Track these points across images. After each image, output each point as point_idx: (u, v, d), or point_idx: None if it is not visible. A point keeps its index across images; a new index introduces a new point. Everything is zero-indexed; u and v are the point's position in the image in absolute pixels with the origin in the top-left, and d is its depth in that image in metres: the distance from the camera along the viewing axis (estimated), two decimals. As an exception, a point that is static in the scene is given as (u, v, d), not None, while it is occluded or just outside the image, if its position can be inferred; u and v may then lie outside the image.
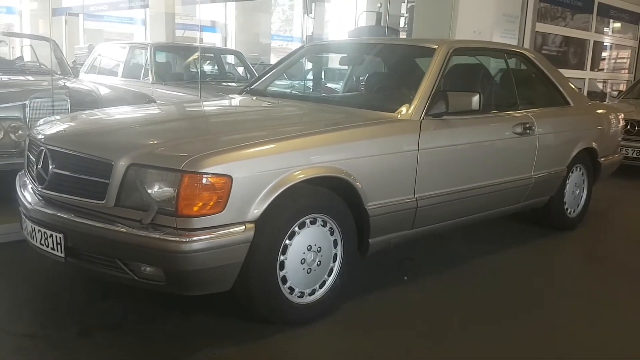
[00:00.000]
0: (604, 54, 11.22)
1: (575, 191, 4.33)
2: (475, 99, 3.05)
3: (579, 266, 3.79)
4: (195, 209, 2.22)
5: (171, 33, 10.20)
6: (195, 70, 7.39)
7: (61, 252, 2.43)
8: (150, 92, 5.97)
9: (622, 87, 11.09)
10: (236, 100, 3.77)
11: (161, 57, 6.95)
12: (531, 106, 3.89)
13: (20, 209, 2.78)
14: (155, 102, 5.07)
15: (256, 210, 2.34)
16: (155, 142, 2.50)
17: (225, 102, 3.78)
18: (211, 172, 2.23)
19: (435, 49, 3.36)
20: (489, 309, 2.92)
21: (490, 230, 4.13)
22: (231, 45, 14.38)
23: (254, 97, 3.72)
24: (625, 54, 11.40)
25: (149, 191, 2.26)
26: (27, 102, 4.14)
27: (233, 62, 8.68)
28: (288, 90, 4.32)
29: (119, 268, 2.33)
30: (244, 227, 2.31)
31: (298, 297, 2.58)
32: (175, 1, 10.26)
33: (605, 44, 10.99)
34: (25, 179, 2.94)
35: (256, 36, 15.33)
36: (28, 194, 2.74)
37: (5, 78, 5.05)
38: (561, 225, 4.28)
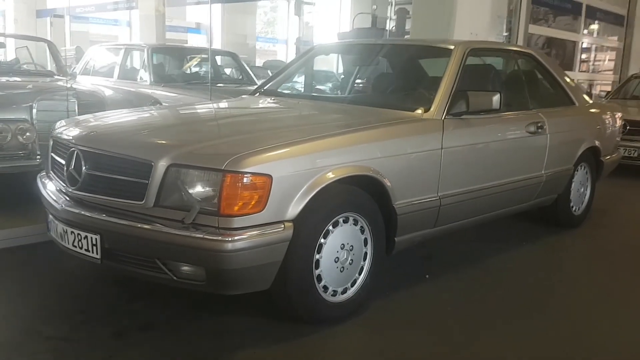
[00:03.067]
0: (591, 56, 11.43)
1: (580, 189, 4.41)
2: (496, 98, 3.10)
3: (590, 262, 3.85)
4: (236, 208, 2.23)
5: (162, 35, 10.15)
6: (189, 72, 7.38)
7: (97, 254, 2.41)
8: (149, 93, 5.91)
9: (601, 88, 11.30)
10: (256, 100, 3.77)
11: (158, 59, 6.90)
12: (540, 106, 3.95)
13: (47, 211, 2.75)
14: (160, 103, 5.04)
15: (294, 209, 2.36)
16: (193, 142, 2.48)
17: (248, 103, 3.76)
18: (252, 171, 2.24)
19: (452, 49, 3.41)
20: (513, 305, 2.97)
21: (499, 229, 4.18)
22: (217, 47, 14.31)
23: (272, 98, 3.74)
24: (611, 55, 11.63)
25: (190, 191, 2.26)
26: (34, 103, 4.09)
27: (221, 64, 8.64)
28: (301, 91, 4.32)
29: (158, 268, 2.32)
30: (283, 226, 2.32)
31: (332, 295, 2.59)
32: (164, 3, 10.20)
33: (592, 45, 11.19)
34: (46, 180, 2.91)
35: (242, 38, 15.28)
36: (54, 195, 2.71)
37: (3, 79, 4.97)
38: (567, 222, 4.36)
